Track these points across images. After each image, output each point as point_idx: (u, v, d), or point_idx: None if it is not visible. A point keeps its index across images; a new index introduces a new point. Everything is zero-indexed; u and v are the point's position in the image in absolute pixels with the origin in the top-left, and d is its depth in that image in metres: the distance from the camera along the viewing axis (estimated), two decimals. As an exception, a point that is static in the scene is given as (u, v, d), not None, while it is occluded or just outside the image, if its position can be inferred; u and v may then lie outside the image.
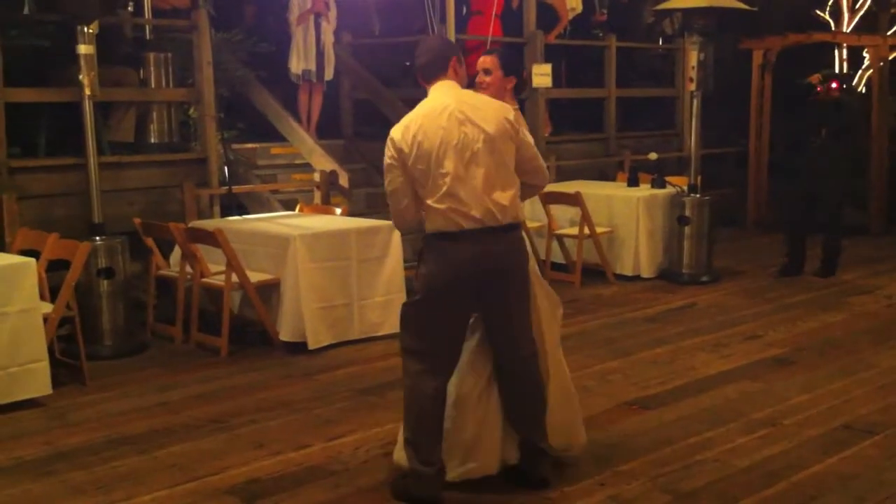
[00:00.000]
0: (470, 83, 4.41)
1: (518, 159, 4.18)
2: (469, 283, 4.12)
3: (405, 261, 7.25)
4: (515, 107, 4.40)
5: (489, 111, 4.13)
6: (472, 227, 4.05)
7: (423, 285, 4.18)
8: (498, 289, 4.19)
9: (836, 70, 9.11)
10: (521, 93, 4.45)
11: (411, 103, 10.41)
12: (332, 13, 9.88)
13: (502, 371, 4.33)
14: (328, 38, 9.86)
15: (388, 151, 4.12)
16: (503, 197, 4.09)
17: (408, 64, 11.20)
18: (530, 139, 4.26)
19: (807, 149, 8.94)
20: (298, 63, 9.70)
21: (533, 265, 4.45)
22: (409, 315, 4.26)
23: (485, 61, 4.53)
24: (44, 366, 5.60)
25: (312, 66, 9.73)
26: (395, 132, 4.11)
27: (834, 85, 8.63)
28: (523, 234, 4.32)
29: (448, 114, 4.07)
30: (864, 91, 12.16)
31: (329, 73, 9.94)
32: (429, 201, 4.07)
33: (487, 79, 4.48)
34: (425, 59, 4.25)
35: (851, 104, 8.96)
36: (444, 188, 4.03)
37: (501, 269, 4.15)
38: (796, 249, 9.15)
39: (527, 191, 4.36)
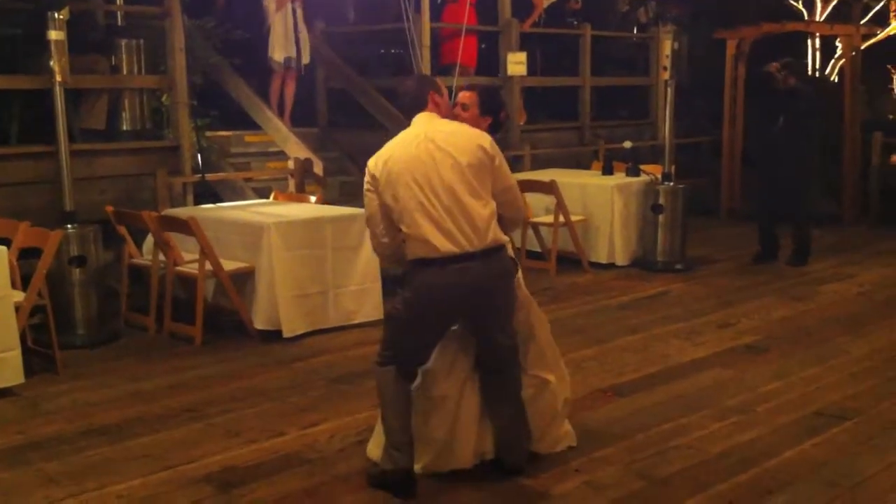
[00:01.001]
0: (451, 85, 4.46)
1: (494, 189, 4.18)
2: (449, 305, 4.16)
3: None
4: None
5: (462, 138, 4.15)
6: (447, 252, 4.04)
7: (405, 310, 4.20)
8: (481, 306, 4.21)
9: (790, 59, 9.18)
10: (496, 132, 4.49)
11: (386, 92, 10.44)
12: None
13: (483, 366, 4.35)
14: (301, 23, 9.81)
15: (366, 178, 4.19)
16: (478, 220, 4.07)
17: (382, 52, 11.18)
18: (507, 170, 4.26)
19: (766, 137, 9.03)
20: (280, 51, 9.64)
21: (521, 285, 4.48)
22: (391, 325, 4.30)
23: (464, 96, 4.59)
24: (15, 355, 5.55)
25: (293, 53, 9.69)
26: (371, 160, 4.18)
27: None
28: (508, 253, 4.27)
29: (418, 142, 4.12)
30: (835, 80, 12.24)
31: (306, 58, 9.90)
32: (402, 227, 4.10)
33: (465, 114, 4.53)
34: (405, 101, 4.36)
35: (806, 91, 9.00)
36: (414, 214, 4.05)
37: (482, 289, 4.15)
38: (766, 237, 9.24)
39: (504, 224, 4.32)
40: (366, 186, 4.21)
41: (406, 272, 4.21)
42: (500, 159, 4.20)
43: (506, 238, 4.27)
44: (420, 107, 4.30)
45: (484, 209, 4.10)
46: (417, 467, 4.31)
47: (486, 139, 4.18)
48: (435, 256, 4.06)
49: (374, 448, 4.46)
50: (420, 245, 4.07)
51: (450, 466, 4.38)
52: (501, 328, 4.29)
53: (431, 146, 4.10)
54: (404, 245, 4.16)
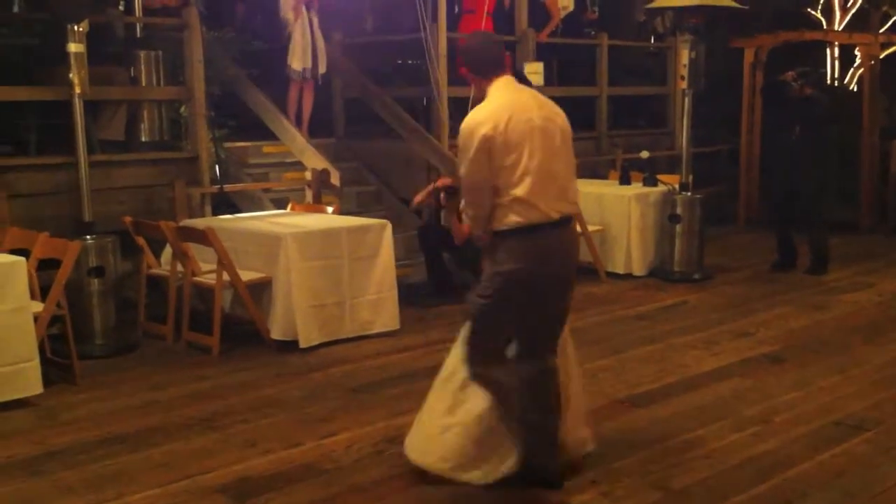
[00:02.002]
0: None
1: None
2: (560, 267, 4.22)
3: (396, 259, 7.26)
4: None
5: (556, 110, 4.27)
6: (554, 217, 4.12)
7: (502, 287, 4.14)
8: (570, 278, 4.32)
9: (811, 67, 9.21)
10: None
11: (403, 102, 10.44)
12: (316, 5, 9.86)
13: (525, 377, 4.26)
14: (318, 32, 9.84)
15: (476, 142, 4.04)
16: (572, 188, 4.28)
17: (399, 62, 11.19)
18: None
19: (782, 145, 9.01)
20: (299, 60, 9.66)
21: None
22: (484, 314, 4.23)
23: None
24: (34, 365, 5.57)
25: (310, 64, 9.72)
26: (480, 123, 4.06)
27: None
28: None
29: (530, 108, 4.13)
30: (854, 88, 12.19)
31: (323, 68, 9.92)
32: (512, 192, 4.07)
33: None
34: (484, 57, 4.25)
35: (822, 99, 8.99)
36: (529, 178, 4.06)
37: (573, 255, 4.37)
38: (784, 245, 9.21)
39: None
40: (476, 149, 4.05)
41: (498, 243, 4.16)
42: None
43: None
44: (500, 66, 4.23)
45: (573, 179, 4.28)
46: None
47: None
48: (545, 221, 4.10)
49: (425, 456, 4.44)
50: (528, 210, 4.08)
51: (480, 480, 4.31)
52: (567, 312, 4.38)
53: (544, 113, 4.16)
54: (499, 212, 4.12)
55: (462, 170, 4.14)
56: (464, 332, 4.31)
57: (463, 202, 4.26)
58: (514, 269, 4.12)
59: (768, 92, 9.97)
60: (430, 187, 7.74)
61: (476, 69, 4.26)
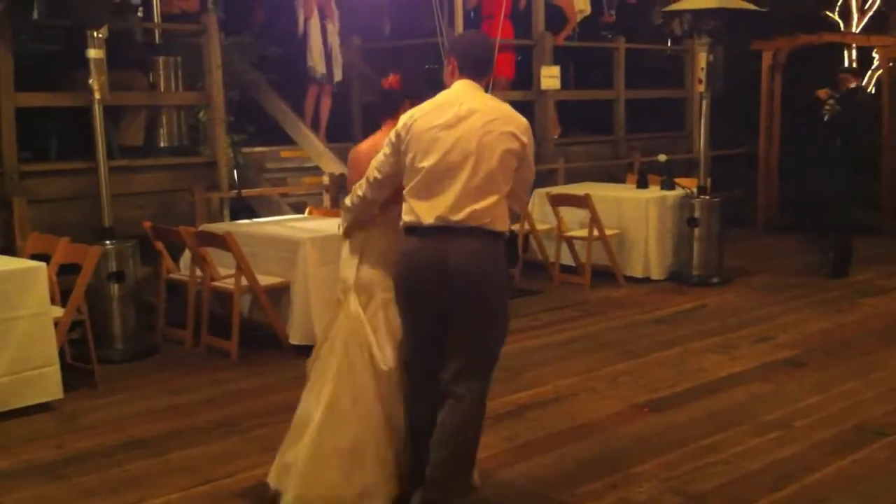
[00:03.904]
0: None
1: (515, 176, 3.92)
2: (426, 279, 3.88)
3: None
4: None
5: (507, 116, 3.94)
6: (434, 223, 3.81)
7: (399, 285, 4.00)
8: (467, 293, 3.86)
9: (852, 69, 9.25)
10: None
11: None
12: (335, 15, 9.87)
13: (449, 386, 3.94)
14: (334, 39, 9.85)
15: (389, 138, 3.94)
16: (483, 203, 3.82)
17: (427, 67, 11.18)
18: (532, 162, 4.03)
19: (823, 156, 9.06)
20: (320, 62, 9.66)
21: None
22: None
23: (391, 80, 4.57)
24: (55, 370, 5.61)
25: (325, 69, 9.74)
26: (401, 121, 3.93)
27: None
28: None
29: (457, 110, 3.87)
30: (872, 91, 12.12)
31: (338, 75, 9.94)
32: (408, 191, 3.87)
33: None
34: (485, 54, 4.13)
35: (858, 111, 9.03)
36: (429, 181, 3.82)
37: (464, 270, 3.82)
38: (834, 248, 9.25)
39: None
40: (386, 146, 3.93)
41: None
42: (531, 150, 3.98)
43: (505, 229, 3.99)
44: (486, 68, 4.09)
45: (497, 195, 3.85)
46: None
47: (525, 123, 3.96)
48: (418, 225, 3.84)
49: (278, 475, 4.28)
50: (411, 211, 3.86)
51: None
52: (475, 356, 3.92)
53: (476, 119, 3.84)
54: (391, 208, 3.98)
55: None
56: None
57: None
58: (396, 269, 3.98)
59: (801, 103, 10.11)
60: None
61: (461, 63, 4.04)
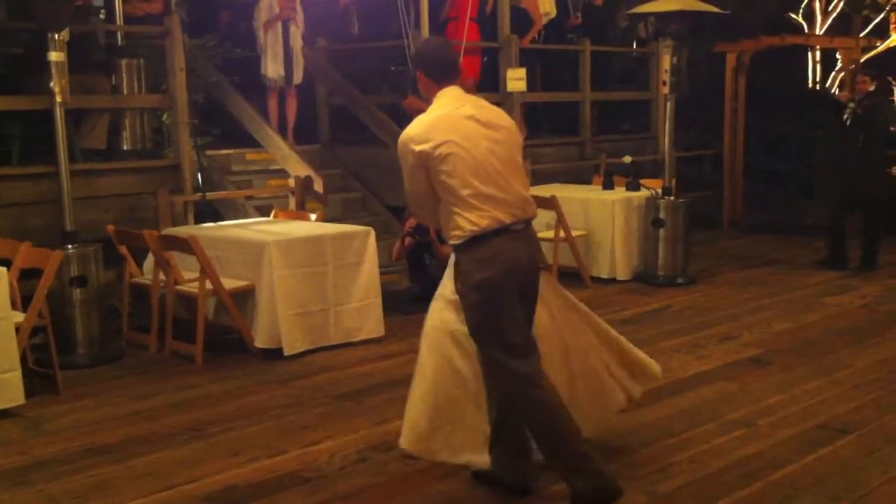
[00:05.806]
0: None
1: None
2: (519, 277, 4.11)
3: (381, 266, 7.24)
4: None
5: (504, 120, 4.25)
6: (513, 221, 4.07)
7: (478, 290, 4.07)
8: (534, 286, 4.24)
9: (869, 71, 9.50)
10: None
11: (388, 109, 10.43)
12: (300, 17, 9.86)
13: None
14: (297, 42, 9.83)
15: (412, 156, 4.01)
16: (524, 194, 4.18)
17: (393, 69, 11.19)
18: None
19: (845, 155, 9.22)
20: (273, 68, 9.68)
21: None
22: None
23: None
24: (16, 375, 5.54)
25: (282, 72, 9.73)
26: (413, 139, 4.01)
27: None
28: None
29: (466, 119, 4.05)
30: (835, 91, 12.26)
31: (298, 78, 9.92)
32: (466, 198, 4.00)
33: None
34: (437, 63, 4.17)
35: (882, 111, 9.38)
36: (480, 186, 3.99)
37: (536, 265, 4.22)
38: (839, 247, 9.50)
39: None
40: (412, 165, 4.03)
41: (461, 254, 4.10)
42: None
43: None
44: (454, 72, 4.18)
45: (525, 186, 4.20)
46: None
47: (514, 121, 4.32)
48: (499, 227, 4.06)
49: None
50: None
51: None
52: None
53: (484, 120, 4.09)
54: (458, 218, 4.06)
55: (405, 184, 4.16)
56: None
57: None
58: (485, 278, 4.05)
59: (823, 104, 10.26)
60: (401, 235, 7.91)
61: (430, 72, 4.15)
